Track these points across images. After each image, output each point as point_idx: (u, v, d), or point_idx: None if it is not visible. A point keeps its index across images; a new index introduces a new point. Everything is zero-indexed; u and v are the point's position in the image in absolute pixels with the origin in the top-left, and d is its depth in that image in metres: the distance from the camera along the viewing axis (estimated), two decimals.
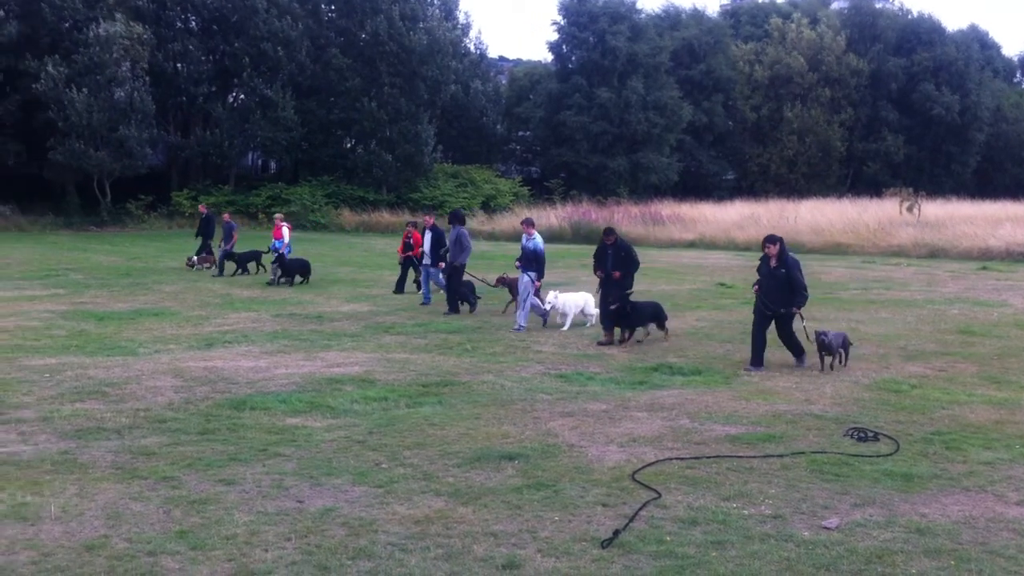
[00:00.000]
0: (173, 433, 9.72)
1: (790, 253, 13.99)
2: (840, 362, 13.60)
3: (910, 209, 41.20)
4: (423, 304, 20.46)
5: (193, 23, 51.42)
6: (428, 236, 20.51)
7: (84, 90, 43.06)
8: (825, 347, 13.33)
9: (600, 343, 15.68)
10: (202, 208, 30.04)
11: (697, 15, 73.34)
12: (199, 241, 28.75)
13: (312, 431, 9.88)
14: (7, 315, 18.19)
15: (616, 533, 7.00)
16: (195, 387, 11.89)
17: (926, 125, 69.22)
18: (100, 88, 43.73)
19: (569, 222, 44.46)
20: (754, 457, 9.08)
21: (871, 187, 60.46)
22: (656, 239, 41.09)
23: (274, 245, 24.89)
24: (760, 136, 68.61)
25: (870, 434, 9.82)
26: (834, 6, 79.30)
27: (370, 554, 6.65)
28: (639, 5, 65.01)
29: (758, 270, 14.16)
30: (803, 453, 9.19)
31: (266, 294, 22.17)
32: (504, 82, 68.88)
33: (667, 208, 47.95)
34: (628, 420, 10.50)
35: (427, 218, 21.38)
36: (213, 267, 26.83)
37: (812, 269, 29.11)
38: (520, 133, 67.52)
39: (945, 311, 19.92)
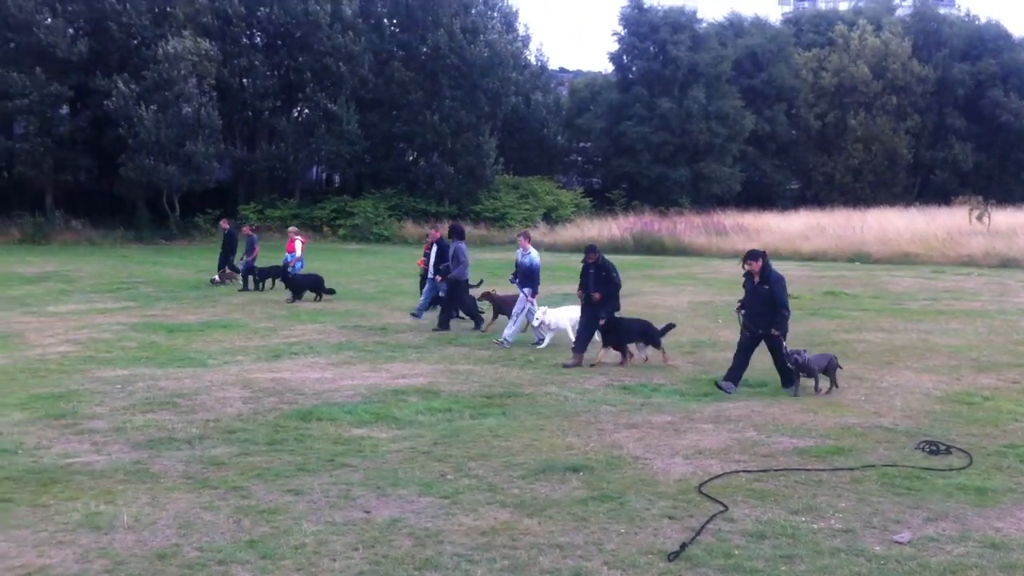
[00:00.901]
0: (242, 443, 9.85)
1: (774, 269, 13.27)
2: (831, 385, 12.58)
3: (980, 218, 40.41)
4: (413, 316, 19.82)
5: (258, 39, 52.20)
6: (434, 249, 20.21)
7: (153, 107, 43.88)
8: (802, 368, 12.41)
9: (565, 365, 14.58)
10: (224, 224, 29.09)
11: (759, 23, 72.73)
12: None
13: (378, 442, 9.96)
14: (80, 327, 18.58)
15: (683, 546, 6.95)
16: (263, 398, 12.05)
17: (995, 132, 67.81)
18: (168, 104, 44.53)
19: (631, 233, 44.31)
20: (823, 470, 8.96)
21: (939, 196, 59.35)
22: (719, 250, 40.75)
23: (286, 259, 24.78)
24: (824, 145, 67.72)
25: (942, 447, 9.64)
26: (899, 13, 78.16)
27: (436, 565, 6.67)
28: (700, 15, 64.25)
29: (744, 287, 13.32)
30: (873, 466, 9.05)
31: (332, 306, 22.37)
32: (564, 93, 68.85)
33: (730, 218, 47.54)
34: (694, 432, 10.42)
35: (433, 231, 20.99)
36: (236, 281, 26.44)
37: (880, 279, 28.75)
38: (581, 144, 67.41)
39: (1017, 322, 19.50)
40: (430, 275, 19.99)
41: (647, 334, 15.00)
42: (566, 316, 16.61)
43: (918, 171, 69.29)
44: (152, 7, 46.59)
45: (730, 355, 15.44)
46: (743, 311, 13.09)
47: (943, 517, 7.70)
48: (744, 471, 8.93)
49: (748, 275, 13.07)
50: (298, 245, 24.97)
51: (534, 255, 17.20)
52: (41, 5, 43.94)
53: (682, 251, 41.33)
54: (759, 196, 63.52)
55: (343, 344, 16.70)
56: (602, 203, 58.01)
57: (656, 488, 8.42)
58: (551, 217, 52.85)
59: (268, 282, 25.96)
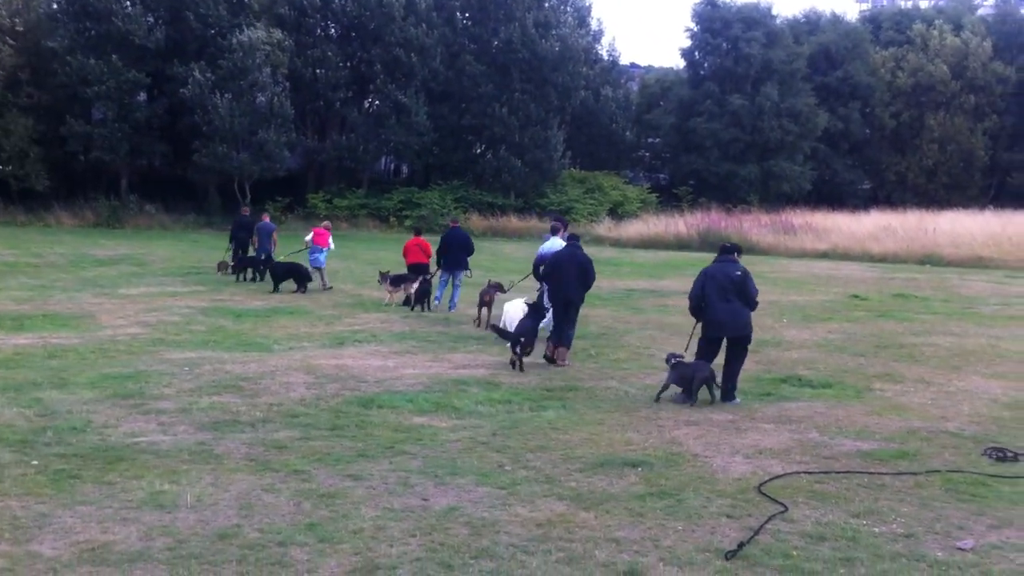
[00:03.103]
0: (304, 428, 9.98)
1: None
2: (705, 397, 11.74)
3: None
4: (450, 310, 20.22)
5: (332, 30, 52.65)
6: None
7: (227, 95, 44.50)
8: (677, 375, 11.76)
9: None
10: (245, 210, 28.39)
11: (836, 20, 71.61)
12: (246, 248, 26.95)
13: (437, 431, 10.02)
14: (150, 310, 18.95)
15: (741, 545, 6.89)
16: (326, 384, 12.18)
17: None
18: (243, 93, 45.13)
19: (697, 230, 43.96)
20: (886, 474, 8.82)
21: (1016, 199, 58.03)
22: (787, 249, 40.31)
23: (316, 257, 23.82)
24: (899, 144, 66.53)
25: (1009, 454, 9.44)
26: (980, 12, 76.45)
27: (492, 554, 6.70)
28: (775, 11, 63.36)
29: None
30: (938, 471, 8.89)
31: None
32: (635, 89, 68.51)
33: (799, 217, 46.96)
34: (754, 431, 10.33)
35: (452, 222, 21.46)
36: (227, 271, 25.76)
37: (951, 282, 28.21)
38: (649, 140, 67.02)
39: None
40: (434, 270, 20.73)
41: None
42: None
43: (995, 173, 67.78)
44: None
45: (795, 355, 15.33)
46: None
47: (1008, 525, 7.54)
48: (805, 472, 8.83)
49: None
50: (330, 239, 24.28)
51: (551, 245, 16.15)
52: None
53: (748, 249, 40.52)
54: (830, 195, 62.59)
55: (406, 333, 16.83)
56: (668, 199, 57.69)
57: (715, 486, 8.36)
58: (616, 212, 52.64)
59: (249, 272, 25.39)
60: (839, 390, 12.71)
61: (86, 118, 46.27)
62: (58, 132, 45.17)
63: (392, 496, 7.88)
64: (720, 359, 12.12)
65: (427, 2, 51.33)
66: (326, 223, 25.53)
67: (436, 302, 20.57)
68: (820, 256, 38.88)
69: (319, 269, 23.80)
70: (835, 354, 15.55)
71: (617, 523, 7.36)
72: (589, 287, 14.55)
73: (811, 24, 70.55)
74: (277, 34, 46.66)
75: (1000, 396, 12.49)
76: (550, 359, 14.14)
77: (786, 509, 7.73)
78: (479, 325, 17.98)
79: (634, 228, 46.04)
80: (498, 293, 18.54)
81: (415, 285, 20.37)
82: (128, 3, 45.05)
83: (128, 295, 21.37)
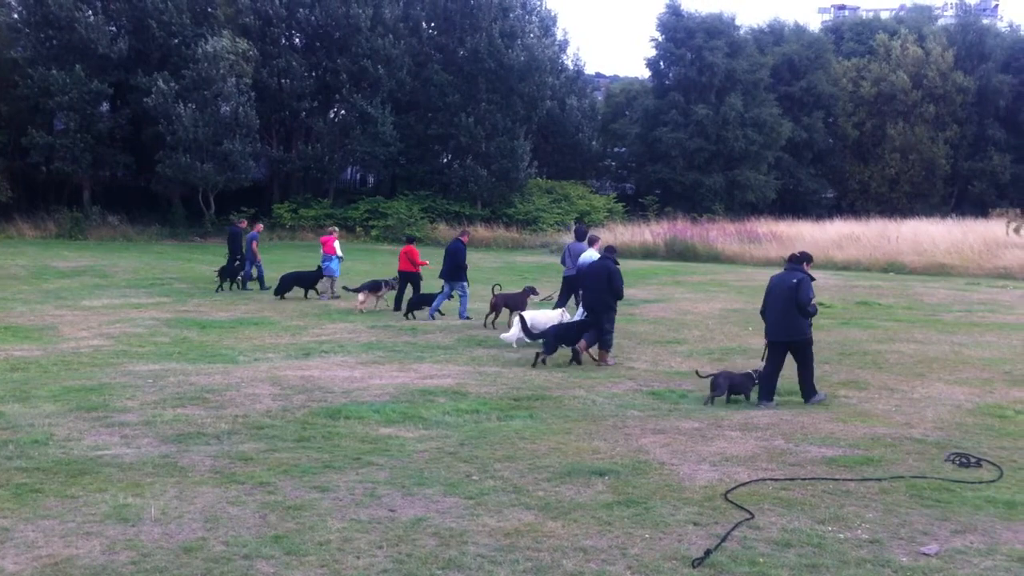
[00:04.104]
0: (270, 440, 9.92)
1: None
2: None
3: (1017, 230, 39.84)
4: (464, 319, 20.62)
5: (297, 40, 52.50)
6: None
7: (191, 105, 44.24)
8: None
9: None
10: (242, 223, 28.68)
11: (799, 30, 72.29)
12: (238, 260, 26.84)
13: (405, 441, 9.99)
14: (114, 322, 18.78)
15: (708, 553, 6.92)
16: (292, 395, 12.12)
17: None
18: (207, 103, 44.88)
19: (663, 239, 44.21)
20: (851, 480, 8.89)
21: (976, 207, 58.75)
22: (752, 257, 40.58)
23: (327, 266, 24.19)
24: (861, 154, 67.23)
25: (972, 460, 9.54)
26: (941, 22, 77.47)
27: (460, 565, 6.68)
28: (739, 21, 63.83)
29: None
30: (902, 477, 8.96)
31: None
32: (600, 98, 68.81)
33: (764, 226, 47.28)
34: (721, 439, 10.37)
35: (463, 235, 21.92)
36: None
37: (914, 290, 28.49)
38: (615, 149, 67.33)
39: None
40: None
41: None
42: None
43: (956, 182, 68.62)
44: (193, 6, 47.03)
45: (759, 363, 15.41)
46: None
47: (971, 530, 7.62)
48: (771, 479, 8.88)
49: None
50: (337, 245, 24.52)
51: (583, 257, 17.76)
52: (82, 3, 44.45)
53: (714, 258, 41.19)
54: (794, 204, 63.17)
55: (372, 344, 16.79)
56: (635, 208, 57.94)
57: (682, 494, 8.38)
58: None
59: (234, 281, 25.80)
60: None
61: (48, 129, 45.86)
62: (19, 143, 44.72)
63: (359, 507, 7.84)
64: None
65: (393, 12, 51.32)
66: (331, 230, 25.90)
67: (431, 315, 20.78)
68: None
69: (332, 278, 24.21)
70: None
71: (585, 532, 7.37)
72: (617, 295, 15.30)
73: (775, 34, 71.17)
74: (242, 44, 46.44)
75: (963, 402, 12.61)
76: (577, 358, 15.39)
77: (752, 516, 7.77)
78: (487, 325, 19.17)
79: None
80: (531, 297, 19.72)
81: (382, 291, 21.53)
82: (91, 12, 44.71)
83: (91, 307, 21.17)
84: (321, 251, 24.96)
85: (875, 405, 12.38)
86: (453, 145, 53.62)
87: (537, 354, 15.13)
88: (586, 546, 7.07)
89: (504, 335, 17.04)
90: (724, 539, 7.23)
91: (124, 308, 21.04)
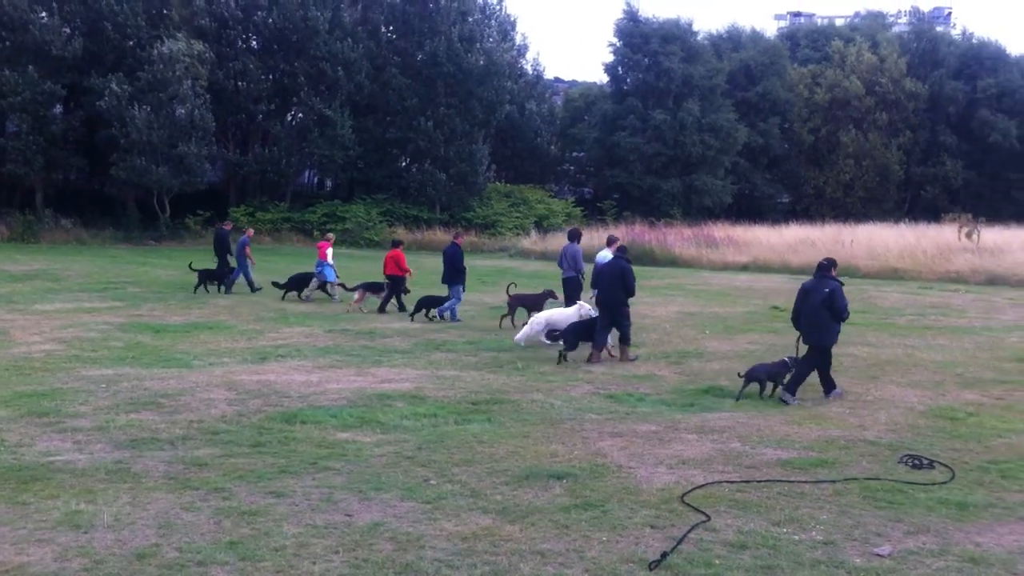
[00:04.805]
0: (225, 445, 9.83)
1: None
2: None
3: (969, 235, 40.48)
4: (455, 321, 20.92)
5: (254, 42, 52.12)
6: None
7: (146, 107, 43.77)
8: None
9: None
10: (226, 225, 28.87)
11: (756, 36, 72.94)
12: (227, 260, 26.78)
13: (362, 446, 9.94)
14: (66, 326, 18.53)
15: (664, 555, 6.95)
16: (248, 400, 12.02)
17: (985, 151, 68.08)
18: (162, 105, 44.41)
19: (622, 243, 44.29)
20: (806, 482, 8.97)
21: (929, 212, 59.53)
22: (709, 261, 40.85)
23: (322, 270, 24.28)
24: (816, 159, 67.97)
25: (925, 461, 9.66)
26: (895, 30, 78.49)
27: (417, 569, 6.66)
28: (696, 27, 64.28)
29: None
30: (856, 479, 9.06)
31: (319, 310, 22.36)
32: (559, 103, 69.04)
33: (721, 231, 47.62)
34: (678, 442, 10.42)
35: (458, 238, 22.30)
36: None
37: (868, 294, 28.81)
38: (574, 154, 67.58)
39: (1003, 339, 19.54)
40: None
41: None
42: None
43: (909, 187, 69.53)
44: (148, 8, 46.52)
45: (717, 366, 15.53)
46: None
47: (924, 531, 7.71)
48: (727, 482, 8.94)
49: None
50: (329, 251, 24.48)
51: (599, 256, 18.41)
52: (36, 4, 43.85)
53: (671, 262, 41.39)
54: (750, 209, 63.72)
55: (330, 348, 16.69)
56: (593, 213, 58.13)
57: (639, 497, 8.42)
58: (542, 226, 52.89)
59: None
60: (759, 400, 12.89)
61: (0, 131, 45.15)
62: None
63: (315, 512, 7.79)
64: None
65: (352, 16, 51.15)
66: (328, 235, 26.08)
67: (437, 315, 21.05)
68: (741, 269, 39.45)
69: (327, 283, 24.44)
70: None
71: (542, 535, 7.37)
72: (629, 292, 16.01)
73: (733, 40, 71.82)
74: (198, 46, 46.04)
75: (916, 404, 12.77)
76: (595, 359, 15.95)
77: (708, 518, 7.81)
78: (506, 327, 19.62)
79: (559, 241, 46.09)
80: (550, 299, 20.09)
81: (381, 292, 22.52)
82: (45, 14, 44.10)
83: (43, 311, 20.86)
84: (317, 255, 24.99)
85: (829, 408, 12.50)
86: (412, 149, 53.49)
87: (560, 352, 15.78)
88: (544, 549, 7.08)
89: (517, 336, 17.48)
90: (680, 541, 7.26)
91: (77, 312, 20.75)
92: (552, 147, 63.79)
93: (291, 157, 50.82)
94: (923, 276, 35.57)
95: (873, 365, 15.87)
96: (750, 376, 13.12)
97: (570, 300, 19.43)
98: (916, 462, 9.64)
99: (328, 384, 13.28)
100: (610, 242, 18.91)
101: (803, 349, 13.38)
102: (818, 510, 8.16)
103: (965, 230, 40.98)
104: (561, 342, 16.11)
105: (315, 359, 15.47)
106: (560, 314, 17.51)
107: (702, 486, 8.75)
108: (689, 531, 7.50)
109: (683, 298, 26.65)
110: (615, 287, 15.97)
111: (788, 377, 13.13)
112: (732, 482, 8.93)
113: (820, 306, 12.89)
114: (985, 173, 69.26)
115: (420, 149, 52.57)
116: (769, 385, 13.21)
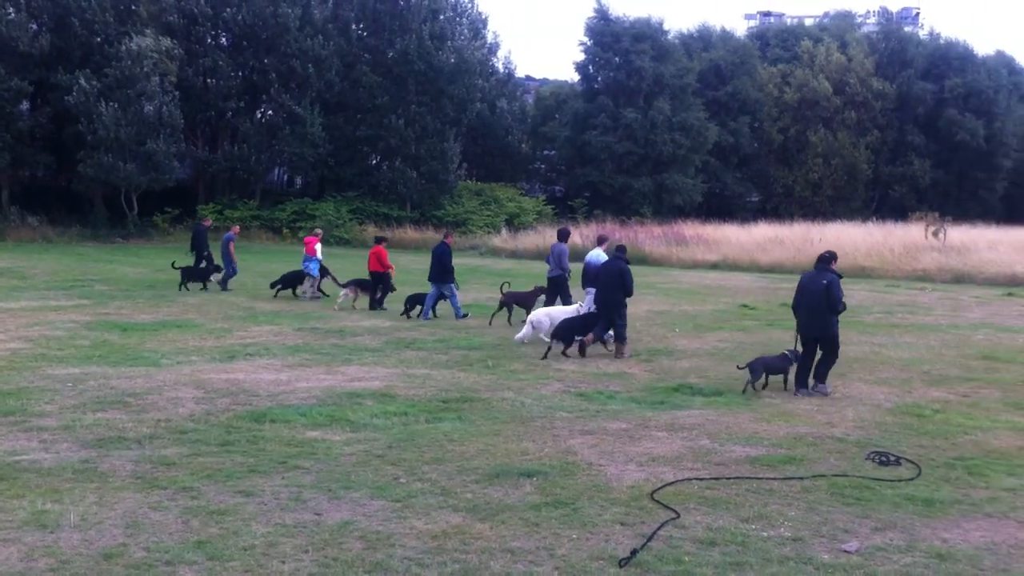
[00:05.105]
0: (193, 444, 9.76)
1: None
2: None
3: (936, 234, 40.92)
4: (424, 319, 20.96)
5: (224, 39, 51.82)
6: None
7: (114, 104, 43.39)
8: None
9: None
10: (206, 222, 29.07)
11: (726, 36, 73.30)
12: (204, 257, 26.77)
13: (331, 444, 9.90)
14: (32, 324, 18.33)
15: (634, 552, 6.97)
16: (216, 399, 11.94)
17: (952, 150, 68.83)
18: (130, 102, 44.04)
19: (592, 242, 44.39)
20: (774, 479, 9.02)
21: (897, 211, 60.11)
22: (679, 260, 41.04)
23: (307, 266, 24.36)
24: (786, 158, 68.43)
25: (892, 458, 9.75)
26: (864, 30, 79.09)
27: (387, 568, 6.64)
28: (667, 26, 64.60)
29: None
30: (824, 476, 9.13)
31: (289, 308, 22.25)
32: (530, 101, 69.10)
33: (691, 229, 47.88)
34: (648, 440, 10.46)
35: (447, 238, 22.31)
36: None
37: None
38: (545, 152, 67.70)
39: (969, 337, 19.76)
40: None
41: None
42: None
43: (877, 186, 70.16)
44: (116, 4, 46.13)
45: (687, 364, 15.59)
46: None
47: (891, 527, 7.78)
48: (696, 479, 8.98)
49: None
50: (318, 247, 24.51)
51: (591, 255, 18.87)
52: (3, 0, 43.37)
53: (642, 260, 41.45)
54: (720, 208, 64.08)
55: (299, 346, 16.61)
56: (564, 211, 58.25)
57: (609, 494, 8.44)
58: (513, 224, 52.92)
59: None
60: (729, 398, 12.95)
61: None
62: None
63: (284, 512, 7.75)
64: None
65: (322, 13, 50.94)
66: (316, 231, 26.28)
67: (425, 316, 21.02)
68: (711, 267, 39.66)
69: (312, 277, 24.44)
70: (725, 363, 15.82)
71: (512, 533, 7.37)
72: (628, 293, 16.38)
73: (704, 40, 72.16)
74: (166, 42, 45.70)
75: (883, 402, 12.88)
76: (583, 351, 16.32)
77: (678, 515, 7.85)
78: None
79: (530, 240, 46.31)
80: (541, 296, 20.36)
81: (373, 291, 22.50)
82: (12, 10, 43.60)
83: (8, 309, 20.62)
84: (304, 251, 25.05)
85: (797, 405, 12.58)
86: (382, 147, 53.38)
87: (561, 350, 16.24)
88: (514, 547, 7.08)
89: (517, 335, 17.66)
90: (650, 539, 7.29)
91: (43, 311, 20.54)
92: (523, 145, 63.85)
93: (261, 155, 50.57)
94: (890, 274, 35.91)
95: (841, 363, 15.87)
96: (751, 368, 13.34)
97: (553, 298, 19.51)
98: (883, 459, 9.73)
99: (297, 383, 13.21)
100: (600, 241, 19.14)
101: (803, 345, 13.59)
102: (786, 507, 8.21)
103: (932, 229, 41.42)
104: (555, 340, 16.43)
105: (284, 357, 15.39)
106: (560, 311, 17.69)
107: (672, 483, 8.79)
108: (659, 528, 7.52)
109: (653, 296, 26.73)
110: (614, 287, 16.29)
111: (792, 372, 13.48)
112: (702, 479, 8.97)
113: (817, 297, 13.26)
114: (952, 172, 70.01)
115: (391, 147, 52.46)
116: (764, 377, 13.50)
